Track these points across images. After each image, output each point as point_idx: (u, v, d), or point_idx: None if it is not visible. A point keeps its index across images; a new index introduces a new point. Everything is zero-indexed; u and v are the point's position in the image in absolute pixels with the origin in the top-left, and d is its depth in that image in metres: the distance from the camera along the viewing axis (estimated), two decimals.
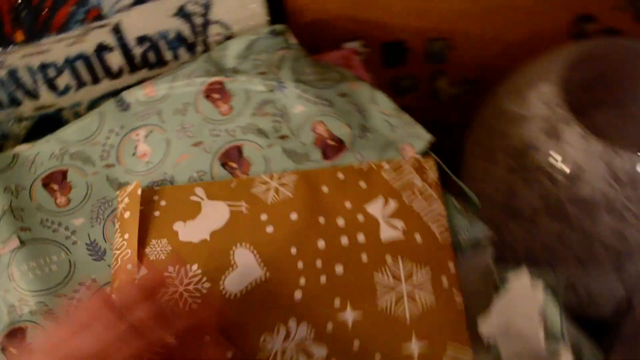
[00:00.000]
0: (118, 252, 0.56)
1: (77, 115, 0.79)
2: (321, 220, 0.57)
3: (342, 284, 0.54)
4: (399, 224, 0.57)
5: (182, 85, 0.68)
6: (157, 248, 0.56)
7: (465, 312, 0.54)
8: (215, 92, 0.67)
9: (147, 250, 0.56)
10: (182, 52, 0.77)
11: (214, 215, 0.57)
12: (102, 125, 0.68)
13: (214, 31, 0.76)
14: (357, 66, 0.76)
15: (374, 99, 0.66)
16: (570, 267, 0.74)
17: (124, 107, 0.69)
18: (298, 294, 0.54)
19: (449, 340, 0.53)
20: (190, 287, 0.53)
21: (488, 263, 0.59)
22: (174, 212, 0.58)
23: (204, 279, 0.54)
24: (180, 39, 0.76)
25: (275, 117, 0.65)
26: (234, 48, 0.73)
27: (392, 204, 0.58)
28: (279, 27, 0.74)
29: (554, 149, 0.71)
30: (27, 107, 0.77)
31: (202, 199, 0.59)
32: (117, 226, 0.58)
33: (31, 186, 0.64)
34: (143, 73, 0.78)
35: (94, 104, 0.79)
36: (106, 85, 0.77)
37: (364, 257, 0.55)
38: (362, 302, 0.54)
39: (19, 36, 0.70)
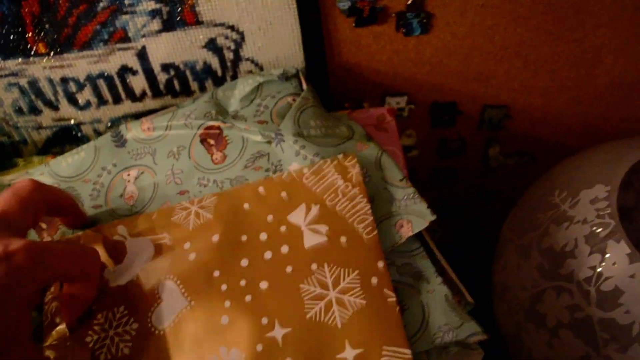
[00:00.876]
0: (46, 307, 0.55)
1: (97, 132, 0.78)
2: (243, 238, 0.54)
3: (268, 301, 0.51)
4: (323, 228, 0.54)
5: (179, 126, 0.64)
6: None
7: (401, 313, 0.51)
8: (212, 138, 0.63)
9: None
10: (209, 85, 0.73)
11: (139, 253, 0.56)
12: (96, 161, 0.65)
13: (244, 68, 0.71)
14: (390, 128, 0.69)
15: (379, 165, 0.59)
16: None
17: (121, 142, 0.65)
18: (225, 319, 0.51)
19: (385, 344, 0.49)
20: (120, 329, 0.52)
21: None
22: (103, 259, 0.56)
23: (132, 319, 0.52)
24: (208, 71, 0.71)
25: (267, 172, 0.60)
26: (242, 89, 0.68)
27: (314, 210, 0.55)
28: (290, 69, 0.68)
29: (595, 262, 0.63)
30: (47, 117, 0.75)
31: (125, 238, 0.57)
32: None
33: None
34: (167, 99, 0.74)
35: (114, 123, 0.76)
36: (128, 106, 0.74)
37: (289, 269, 0.52)
38: (289, 316, 0.50)
39: (41, 48, 0.67)
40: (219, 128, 0.63)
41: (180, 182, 0.61)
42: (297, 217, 0.55)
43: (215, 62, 0.70)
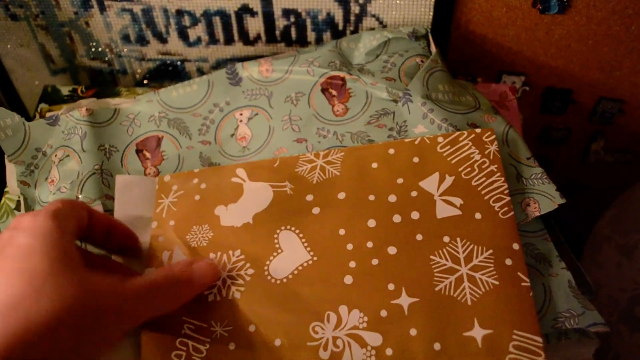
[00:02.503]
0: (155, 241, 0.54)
1: (201, 71, 0.75)
2: (371, 197, 0.52)
3: (395, 267, 0.49)
4: (457, 201, 0.51)
5: (300, 72, 0.62)
6: (199, 235, 0.53)
7: (532, 297, 0.48)
8: (334, 88, 0.60)
9: (188, 237, 0.53)
10: (327, 37, 0.70)
11: (256, 197, 0.54)
12: (208, 97, 0.62)
13: (367, 24, 0.68)
14: (512, 107, 0.66)
15: (506, 140, 0.56)
16: None
17: (235, 80, 0.63)
18: (348, 279, 0.49)
19: (515, 329, 0.46)
20: (233, 273, 0.50)
21: (589, 358, 0.51)
22: (215, 196, 0.55)
23: (247, 264, 0.51)
24: (329, 23, 0.68)
25: (391, 132, 0.57)
26: (367, 42, 0.65)
27: (449, 181, 0.52)
28: (420, 29, 0.65)
29: None
30: (153, 49, 0.72)
31: (243, 180, 0.55)
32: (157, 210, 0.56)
33: (125, 149, 0.60)
34: (280, 47, 0.71)
35: (220, 64, 0.73)
36: (238, 48, 0.71)
37: (419, 237, 0.50)
38: (418, 286, 0.48)
39: None
40: (342, 79, 0.60)
41: (297, 130, 0.59)
42: (430, 184, 0.52)
43: (339, 14, 0.67)
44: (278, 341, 0.47)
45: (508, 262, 0.48)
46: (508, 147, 0.56)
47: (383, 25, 0.68)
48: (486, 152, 0.53)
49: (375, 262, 0.49)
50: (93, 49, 0.72)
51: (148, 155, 0.59)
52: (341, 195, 0.52)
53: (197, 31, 0.70)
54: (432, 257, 0.49)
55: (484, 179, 0.52)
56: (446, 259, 0.49)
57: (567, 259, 0.55)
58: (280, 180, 0.54)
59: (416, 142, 0.54)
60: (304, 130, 0.59)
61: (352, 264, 0.49)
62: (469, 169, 0.53)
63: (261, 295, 0.49)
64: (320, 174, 0.54)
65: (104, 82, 0.75)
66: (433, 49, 0.64)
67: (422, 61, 0.62)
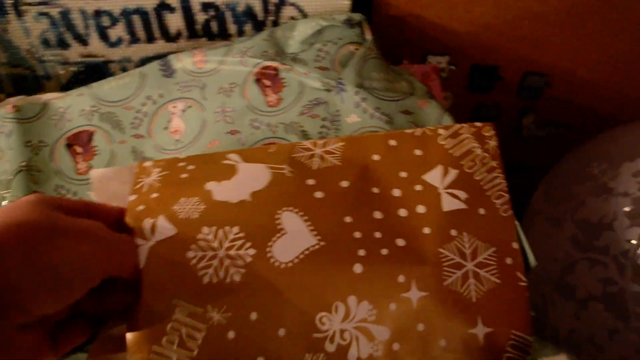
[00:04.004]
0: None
1: (125, 71, 0.74)
2: (375, 190, 0.50)
3: (404, 259, 0.47)
4: (462, 195, 0.50)
5: (234, 62, 0.61)
6: (188, 206, 0.48)
7: (528, 297, 0.48)
8: (267, 78, 0.60)
9: (176, 207, 0.47)
10: (248, 29, 0.70)
11: (252, 176, 0.50)
12: (141, 89, 0.62)
13: (286, 13, 0.68)
14: (435, 87, 0.67)
15: (440, 123, 0.57)
16: None
17: (169, 73, 0.63)
18: (358, 268, 0.46)
19: (514, 329, 0.46)
20: (232, 252, 0.45)
21: None
22: (205, 174, 0.50)
23: (248, 243, 0.46)
24: (248, 14, 0.68)
25: (324, 122, 0.57)
26: (302, 31, 0.65)
27: (452, 173, 0.51)
28: (355, 16, 0.65)
29: (634, 236, 0.62)
30: (75, 52, 0.71)
31: (236, 161, 0.51)
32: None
33: (54, 144, 0.59)
34: (202, 42, 0.71)
35: (144, 63, 0.73)
36: (161, 46, 0.71)
37: (426, 230, 0.48)
38: (427, 280, 0.46)
39: None
40: (275, 69, 0.60)
41: (231, 121, 0.58)
42: (434, 178, 0.51)
43: (257, 5, 0.67)
44: (282, 331, 0.45)
45: (509, 261, 0.48)
46: None
47: (303, 13, 0.68)
48: (486, 147, 0.52)
49: (384, 252, 0.47)
50: (14, 56, 0.71)
51: (79, 150, 0.59)
52: (344, 184, 0.50)
53: (118, 31, 0.69)
54: (440, 250, 0.48)
55: (486, 174, 0.51)
56: (454, 254, 0.48)
57: None
58: (277, 163, 0.51)
59: (417, 134, 0.53)
60: (237, 122, 0.58)
61: (362, 252, 0.47)
62: (471, 162, 0.52)
63: (264, 280, 0.45)
64: (319, 161, 0.51)
65: (29, 88, 0.75)
66: (368, 36, 0.64)
67: (356, 49, 0.62)
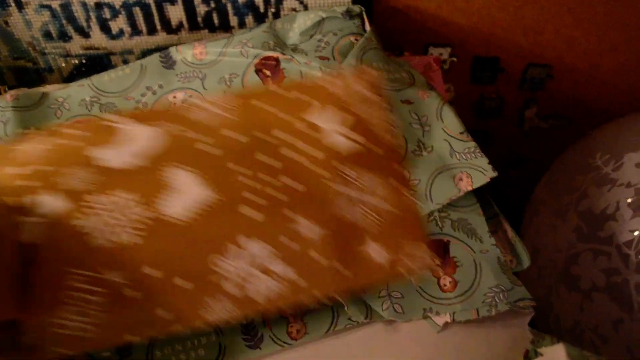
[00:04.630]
0: None
1: (126, 64, 0.74)
2: (256, 133, 0.51)
3: (290, 194, 0.49)
4: (351, 134, 0.51)
5: (234, 53, 0.61)
6: (73, 179, 0.47)
7: (420, 211, 0.52)
8: (268, 69, 0.60)
9: (60, 180, 0.47)
10: (249, 21, 0.70)
11: (133, 136, 0.49)
12: (141, 80, 0.62)
13: (288, 5, 0.68)
14: (436, 78, 0.67)
15: (440, 115, 0.57)
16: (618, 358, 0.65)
17: (169, 64, 0.62)
18: (244, 209, 0.47)
19: (405, 239, 0.49)
20: (120, 215, 0.46)
21: (524, 329, 0.53)
22: (84, 138, 0.49)
23: (133, 203, 0.47)
24: (250, 6, 0.68)
25: None
26: (302, 22, 0.65)
27: (341, 114, 0.52)
28: (355, 8, 0.65)
29: (637, 226, 0.62)
30: (76, 45, 0.71)
31: (115, 121, 0.50)
32: None
33: None
34: (203, 34, 0.71)
35: (145, 55, 0.73)
36: (162, 38, 0.71)
37: (310, 165, 0.50)
38: (313, 210, 0.49)
39: None
40: (276, 59, 0.60)
41: None
42: (313, 115, 0.52)
43: None
44: (178, 280, 0.45)
45: (394, 182, 0.51)
46: (442, 122, 0.57)
47: (304, 5, 0.68)
48: (370, 87, 0.53)
49: (270, 190, 0.49)
50: (15, 48, 0.71)
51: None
52: (226, 132, 0.50)
53: (119, 23, 0.69)
54: (325, 181, 0.49)
55: (366, 107, 0.52)
56: (339, 183, 0.50)
57: (502, 231, 0.56)
58: (154, 119, 0.51)
59: (303, 80, 0.54)
60: None
61: (247, 194, 0.48)
62: (358, 102, 0.52)
63: (156, 236, 0.46)
64: (199, 112, 0.51)
65: (31, 81, 0.75)
66: (367, 27, 0.64)
67: (356, 39, 0.62)
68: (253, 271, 0.46)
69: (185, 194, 0.47)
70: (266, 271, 0.46)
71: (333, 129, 0.51)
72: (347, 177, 0.50)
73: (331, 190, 0.49)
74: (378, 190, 0.50)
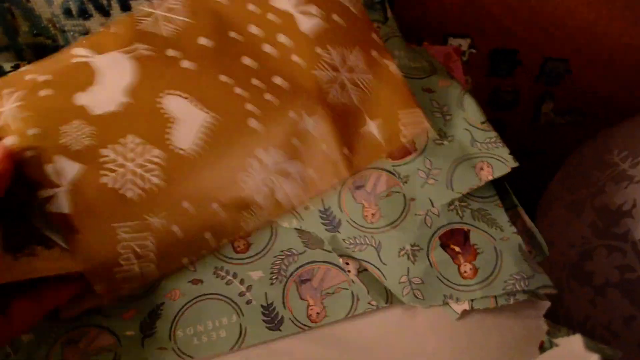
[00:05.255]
0: None
1: None
2: (233, 35, 0.49)
3: (287, 95, 0.49)
4: (313, 9, 0.51)
5: None
6: (73, 134, 0.45)
7: (403, 77, 0.52)
8: None
9: (63, 140, 0.45)
10: None
11: (113, 71, 0.47)
12: None
13: None
14: (456, 68, 0.67)
15: (461, 104, 0.57)
16: (630, 356, 0.65)
17: None
18: (252, 122, 0.47)
19: (399, 109, 0.51)
20: (139, 160, 0.45)
21: (540, 319, 0.53)
22: (66, 84, 0.46)
23: (148, 146, 0.46)
24: None
25: None
26: None
27: None
28: None
29: None
30: (96, 23, 0.71)
31: (88, 56, 0.47)
32: None
33: None
34: None
35: None
36: None
37: (295, 58, 0.50)
38: (314, 105, 0.49)
39: None
40: None
41: None
42: (281, 1, 0.50)
43: None
44: (215, 205, 0.47)
45: (374, 53, 0.51)
46: (463, 111, 0.56)
47: None
48: None
49: (268, 97, 0.48)
50: (35, 25, 0.71)
51: None
52: (203, 41, 0.48)
53: (139, 1, 0.69)
54: (314, 72, 0.49)
55: None
56: (326, 70, 0.50)
57: (521, 222, 0.56)
58: (128, 43, 0.48)
59: None
60: None
61: (249, 107, 0.48)
62: None
63: (182, 172, 0.46)
64: (166, 24, 0.49)
65: None
66: (389, 15, 0.64)
67: (377, 27, 0.62)
68: (276, 177, 0.48)
69: (188, 122, 0.46)
70: (286, 174, 0.48)
71: (302, 11, 0.51)
72: (330, 61, 0.50)
73: (321, 79, 0.49)
74: (361, 65, 0.51)
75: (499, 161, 0.53)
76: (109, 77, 0.46)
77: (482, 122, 0.56)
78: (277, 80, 0.49)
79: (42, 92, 0.45)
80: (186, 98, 0.47)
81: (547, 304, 0.52)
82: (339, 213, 0.52)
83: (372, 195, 0.53)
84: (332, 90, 0.49)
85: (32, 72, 0.47)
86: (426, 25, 0.73)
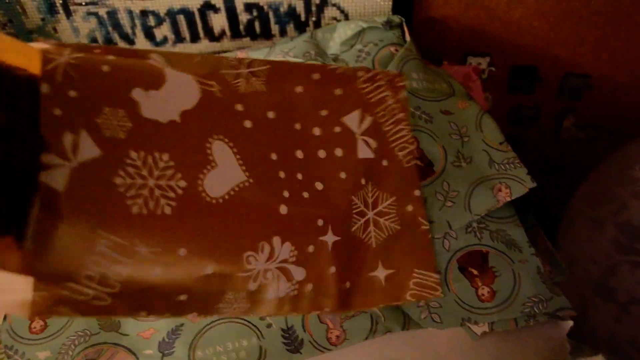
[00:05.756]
0: None
1: None
2: (297, 127, 0.49)
3: (323, 203, 0.48)
4: (373, 143, 0.51)
5: None
6: (113, 121, 0.41)
7: (432, 241, 0.52)
8: None
9: (99, 121, 0.40)
10: (290, 29, 0.71)
11: (181, 89, 0.44)
12: None
13: (329, 14, 0.69)
14: (476, 87, 0.67)
15: (480, 125, 0.57)
16: None
17: None
18: (283, 209, 0.46)
19: (415, 267, 0.50)
20: (163, 182, 0.41)
21: (562, 339, 0.53)
22: (130, 73, 0.43)
23: (179, 174, 0.41)
24: (291, 15, 0.69)
25: None
26: (342, 32, 0.66)
27: (368, 120, 0.51)
28: (395, 18, 0.66)
29: None
30: None
31: (161, 64, 0.44)
32: None
33: None
34: (245, 41, 0.72)
35: None
36: (205, 45, 0.72)
37: (343, 175, 0.50)
38: (340, 224, 0.49)
39: None
40: None
41: None
42: (352, 121, 0.51)
43: (300, 5, 0.68)
44: (209, 269, 0.42)
45: (409, 208, 0.51)
46: (482, 133, 0.57)
47: (345, 14, 0.69)
48: (398, 97, 0.53)
49: (306, 195, 0.48)
50: None
51: None
52: (270, 115, 0.48)
53: (163, 30, 0.71)
54: (352, 197, 0.50)
55: (393, 125, 0.52)
56: (361, 202, 0.50)
57: (541, 241, 0.56)
58: (204, 75, 0.46)
59: (339, 72, 0.51)
60: None
61: (286, 194, 0.47)
62: (383, 112, 0.52)
63: (195, 214, 0.42)
64: (245, 83, 0.48)
65: None
66: (407, 37, 0.65)
67: (396, 50, 0.63)
68: (279, 275, 0.46)
69: (226, 174, 0.44)
70: (288, 276, 0.46)
71: (364, 140, 0.51)
72: (366, 196, 0.50)
73: (354, 208, 0.50)
74: (392, 214, 0.51)
75: (516, 182, 0.53)
76: (174, 93, 0.44)
77: (501, 143, 0.56)
78: (319, 185, 0.49)
79: (104, 67, 0.42)
80: (235, 152, 0.45)
81: (569, 323, 0.52)
82: None
83: None
84: (358, 223, 0.50)
85: (101, 49, 0.44)
86: (446, 45, 0.74)
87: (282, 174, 0.47)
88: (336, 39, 0.65)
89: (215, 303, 0.44)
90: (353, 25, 0.65)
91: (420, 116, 0.56)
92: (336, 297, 0.48)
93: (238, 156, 0.44)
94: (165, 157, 0.41)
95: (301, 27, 0.70)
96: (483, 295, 0.51)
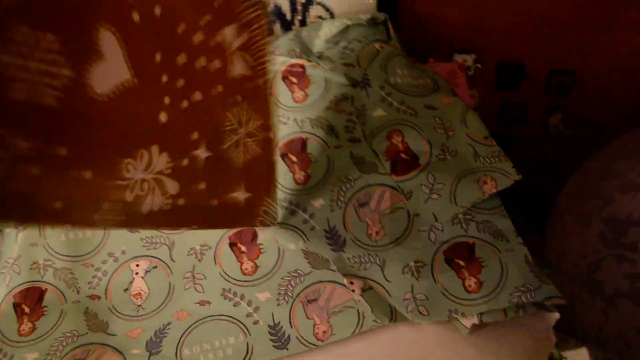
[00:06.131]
0: None
1: None
2: (181, 29, 0.43)
3: (200, 116, 0.45)
4: (249, 59, 0.47)
5: None
6: None
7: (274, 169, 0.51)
8: (294, 76, 0.61)
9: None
10: (276, 29, 0.71)
11: None
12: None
13: (314, 13, 0.69)
14: (461, 84, 0.67)
15: (464, 120, 0.58)
16: None
17: None
18: (163, 116, 0.43)
19: (266, 196, 0.51)
20: (47, 66, 0.36)
21: (548, 331, 0.53)
22: None
23: (63, 59, 0.36)
24: (277, 14, 0.70)
25: (350, 116, 0.58)
26: (327, 30, 0.66)
27: (245, 35, 0.46)
28: (379, 15, 0.66)
29: None
30: None
31: None
32: None
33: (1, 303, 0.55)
34: None
35: None
36: None
37: (219, 89, 0.46)
38: (213, 140, 0.47)
39: None
40: (302, 66, 0.61)
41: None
42: (231, 35, 0.46)
43: (285, 4, 0.69)
44: (88, 174, 0.39)
45: (271, 135, 0.50)
46: (466, 128, 0.57)
47: (330, 12, 0.69)
48: (262, 24, 0.47)
49: (185, 104, 0.44)
50: None
51: (27, 310, 0.54)
52: (157, 11, 0.42)
53: None
54: (227, 113, 0.47)
55: (266, 46, 0.48)
56: (236, 119, 0.48)
57: (527, 234, 0.56)
58: None
59: None
60: None
61: (167, 101, 0.43)
62: (258, 30, 0.47)
63: (80, 110, 0.38)
64: None
65: None
66: (392, 34, 0.65)
67: (380, 47, 0.63)
68: (155, 186, 0.44)
69: (115, 72, 0.39)
70: (163, 188, 0.44)
71: (242, 55, 0.47)
72: (241, 112, 0.48)
73: (228, 122, 0.47)
74: (257, 135, 0.49)
75: (502, 174, 0.54)
76: None
77: (485, 137, 0.56)
78: (197, 95, 0.45)
79: None
80: (122, 47, 0.40)
81: (556, 315, 0.52)
82: (344, 232, 0.53)
83: (376, 212, 0.53)
84: (230, 140, 0.48)
85: None
86: (431, 42, 0.74)
87: (164, 78, 0.43)
88: (321, 36, 0.66)
89: (92, 213, 0.40)
90: (338, 22, 0.66)
91: (405, 110, 0.56)
92: (204, 214, 0.48)
93: (124, 50, 0.40)
94: (50, 36, 0.35)
95: (287, 26, 0.71)
96: (470, 286, 0.51)
